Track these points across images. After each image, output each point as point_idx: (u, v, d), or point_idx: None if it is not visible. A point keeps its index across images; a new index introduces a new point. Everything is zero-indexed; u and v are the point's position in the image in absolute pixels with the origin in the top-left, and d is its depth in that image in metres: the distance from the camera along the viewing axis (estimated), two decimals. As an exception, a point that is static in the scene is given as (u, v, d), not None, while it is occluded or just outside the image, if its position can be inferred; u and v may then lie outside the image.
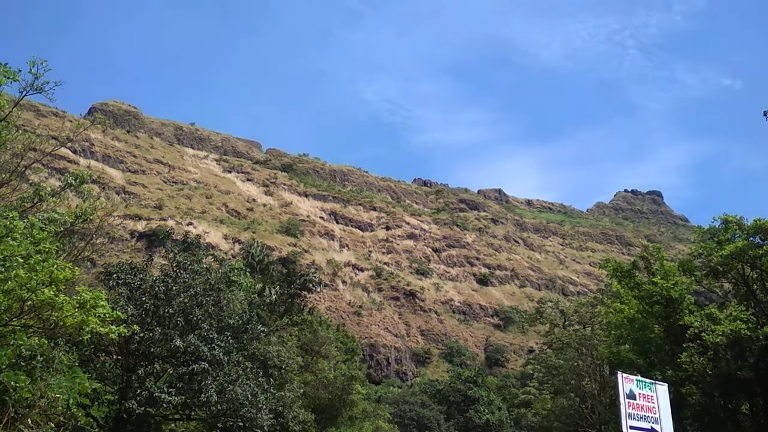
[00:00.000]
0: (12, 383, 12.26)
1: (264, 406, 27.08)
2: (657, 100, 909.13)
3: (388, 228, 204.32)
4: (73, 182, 23.95)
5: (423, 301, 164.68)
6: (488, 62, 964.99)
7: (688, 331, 33.82)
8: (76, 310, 13.95)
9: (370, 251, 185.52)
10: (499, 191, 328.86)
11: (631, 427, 23.34)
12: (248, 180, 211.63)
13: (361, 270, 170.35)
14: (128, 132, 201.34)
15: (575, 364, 48.38)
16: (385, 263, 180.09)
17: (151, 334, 24.84)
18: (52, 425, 14.57)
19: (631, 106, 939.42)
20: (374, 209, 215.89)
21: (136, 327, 19.88)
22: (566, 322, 67.50)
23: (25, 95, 17.68)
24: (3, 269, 13.37)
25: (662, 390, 25.45)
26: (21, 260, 13.66)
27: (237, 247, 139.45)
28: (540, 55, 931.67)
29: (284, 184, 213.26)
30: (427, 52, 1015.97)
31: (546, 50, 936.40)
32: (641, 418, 23.84)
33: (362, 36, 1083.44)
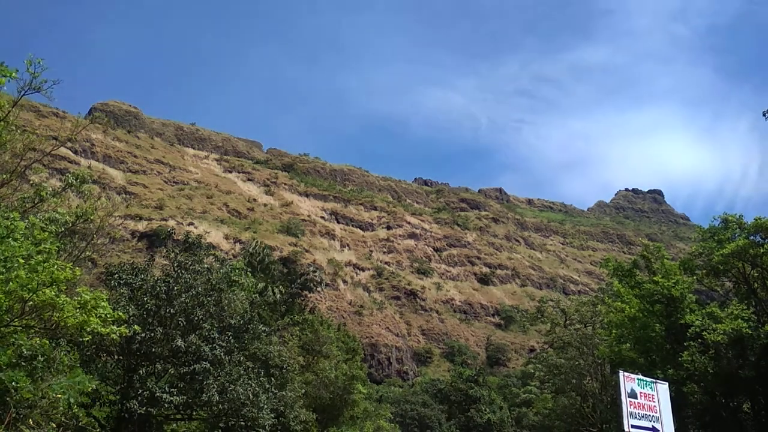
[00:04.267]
0: (13, 383, 12.26)
1: (265, 406, 27.09)
2: (515, 158, 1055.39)
3: (388, 227, 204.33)
4: (74, 182, 23.96)
5: (424, 300, 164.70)
6: (371, 133, 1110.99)
7: (689, 330, 33.77)
8: (77, 310, 13.95)
9: (371, 251, 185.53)
10: (500, 190, 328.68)
11: (633, 426, 23.33)
12: (249, 180, 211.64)
13: (362, 269, 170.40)
14: (129, 132, 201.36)
15: (576, 363, 48.33)
16: (386, 263, 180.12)
17: (152, 334, 24.83)
18: (54, 425, 14.57)
19: (496, 164, 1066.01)
20: (375, 209, 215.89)
21: (137, 327, 19.86)
22: (567, 322, 67.43)
23: (24, 95, 17.70)
24: (4, 270, 13.36)
25: (663, 389, 25.44)
26: (22, 261, 13.65)
27: (238, 246, 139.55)
28: (410, 125, 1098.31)
29: (285, 184, 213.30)
30: (313, 126, 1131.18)
31: (414, 121, 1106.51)
32: (642, 417, 23.83)
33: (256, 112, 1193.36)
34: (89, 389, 13.54)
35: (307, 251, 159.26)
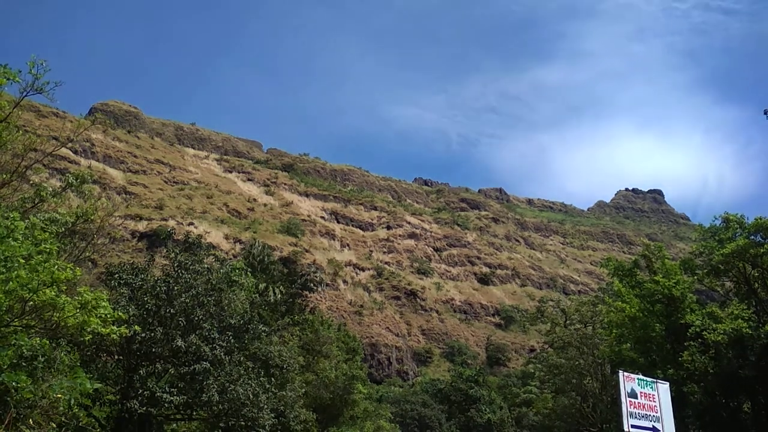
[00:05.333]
0: (13, 384, 12.26)
1: (265, 406, 27.09)
2: (487, 171, 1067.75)
3: (388, 227, 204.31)
4: (74, 182, 23.99)
5: (424, 300, 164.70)
6: (351, 149, 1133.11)
7: (690, 330, 33.80)
8: (78, 310, 13.94)
9: (371, 251, 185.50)
10: (500, 190, 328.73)
11: (633, 426, 23.34)
12: (249, 180, 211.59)
13: (362, 269, 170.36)
14: (129, 132, 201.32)
15: (576, 363, 48.35)
16: (386, 263, 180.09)
17: (152, 334, 24.83)
18: (54, 425, 14.58)
19: (467, 175, 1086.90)
20: (375, 209, 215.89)
21: (137, 327, 19.85)
22: (567, 321, 67.43)
23: (26, 96, 17.68)
24: (4, 270, 13.36)
25: (664, 389, 25.45)
26: (22, 261, 13.65)
27: (238, 247, 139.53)
28: (384, 141, 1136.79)
29: (285, 184, 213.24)
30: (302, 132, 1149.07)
31: (386, 136, 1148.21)
32: (643, 416, 23.83)
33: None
34: (90, 391, 13.53)
35: (307, 251, 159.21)
